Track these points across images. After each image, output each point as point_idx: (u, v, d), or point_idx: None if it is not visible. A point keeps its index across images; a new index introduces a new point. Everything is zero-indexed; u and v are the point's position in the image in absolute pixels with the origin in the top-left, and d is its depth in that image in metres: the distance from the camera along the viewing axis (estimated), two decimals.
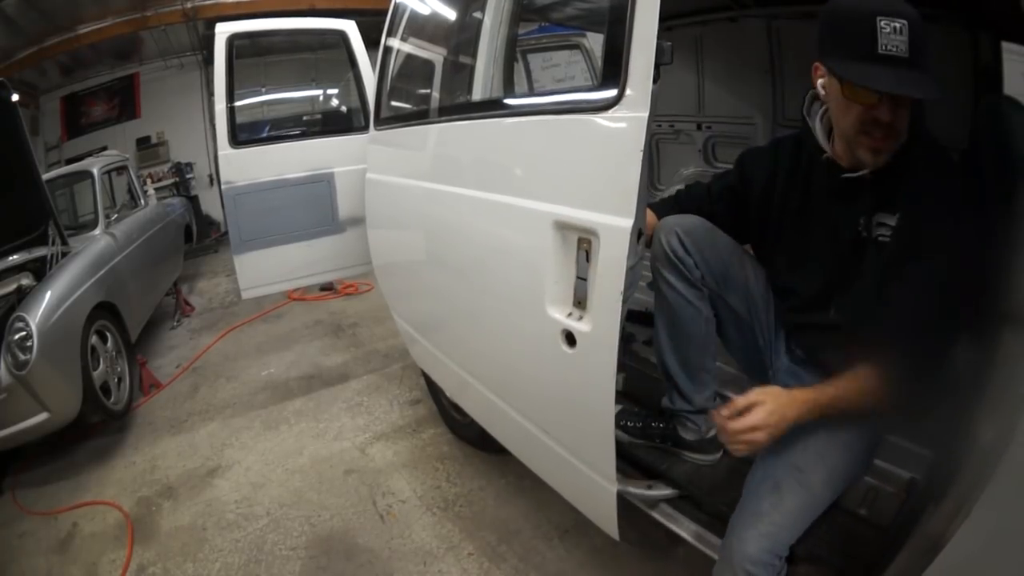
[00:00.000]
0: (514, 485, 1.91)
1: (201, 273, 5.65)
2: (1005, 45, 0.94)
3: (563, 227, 1.04)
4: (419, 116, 1.87)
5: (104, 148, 5.93)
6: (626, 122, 0.90)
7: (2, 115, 2.48)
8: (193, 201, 6.61)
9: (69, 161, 5.68)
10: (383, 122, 1.99)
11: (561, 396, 1.18)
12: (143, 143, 7.30)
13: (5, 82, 2.45)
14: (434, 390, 2.26)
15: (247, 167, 2.42)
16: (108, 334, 2.73)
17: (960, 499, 0.69)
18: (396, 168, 1.84)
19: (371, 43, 2.49)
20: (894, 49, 0.86)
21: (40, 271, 2.61)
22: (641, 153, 0.86)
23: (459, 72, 1.63)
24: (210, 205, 7.17)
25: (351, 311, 3.92)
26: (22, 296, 2.37)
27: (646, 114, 0.86)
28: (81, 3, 5.66)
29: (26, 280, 2.51)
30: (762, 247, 1.25)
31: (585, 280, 1.03)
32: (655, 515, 1.21)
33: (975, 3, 1.24)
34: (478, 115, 1.39)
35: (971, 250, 0.85)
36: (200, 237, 6.20)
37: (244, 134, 2.51)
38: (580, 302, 1.04)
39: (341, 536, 1.80)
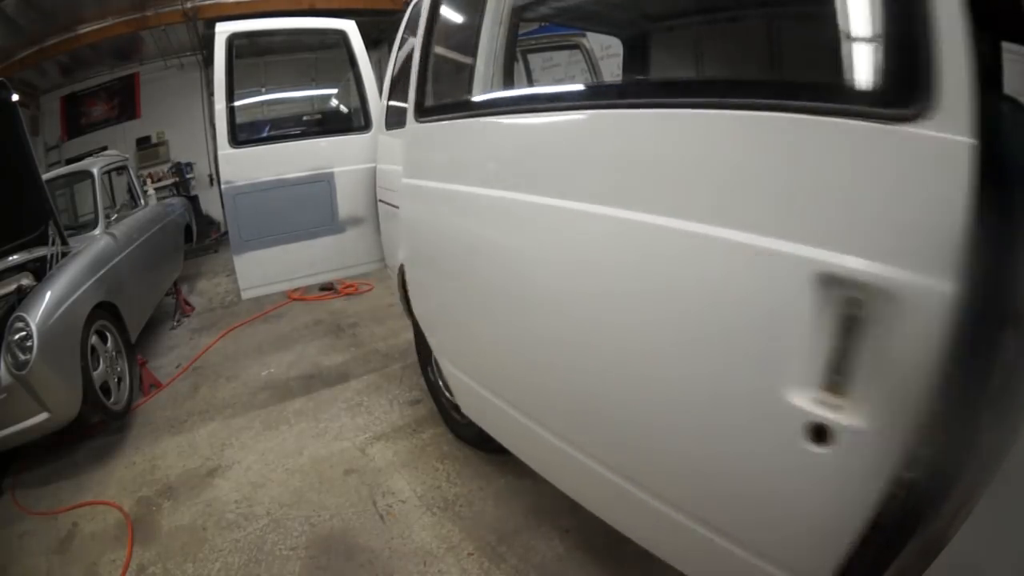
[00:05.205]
0: (514, 485, 1.91)
1: (201, 273, 5.65)
2: (1005, 45, 0.94)
3: (828, 281, 0.73)
4: (524, 102, 1.35)
5: (104, 148, 5.95)
6: (941, 144, 0.65)
7: (2, 115, 2.48)
8: (193, 201, 6.64)
9: (69, 161, 5.69)
10: (427, 113, 1.56)
11: (782, 504, 0.87)
12: (143, 143, 7.33)
13: (5, 82, 2.46)
14: (434, 390, 2.26)
15: (247, 167, 2.43)
16: (108, 334, 2.73)
17: (961, 499, 0.68)
18: (468, 173, 1.39)
19: (371, 43, 2.50)
20: None
21: (40, 271, 2.61)
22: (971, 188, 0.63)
23: None
24: (210, 205, 7.20)
25: (351, 311, 3.93)
26: (22, 296, 2.37)
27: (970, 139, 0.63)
28: (81, 3, 5.67)
29: (26, 280, 2.50)
30: None
31: (843, 352, 0.74)
32: None
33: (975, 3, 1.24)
34: (657, 101, 0.98)
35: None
36: (200, 237, 6.21)
37: (244, 134, 2.52)
38: (835, 385, 0.75)
39: (341, 536, 1.80)
